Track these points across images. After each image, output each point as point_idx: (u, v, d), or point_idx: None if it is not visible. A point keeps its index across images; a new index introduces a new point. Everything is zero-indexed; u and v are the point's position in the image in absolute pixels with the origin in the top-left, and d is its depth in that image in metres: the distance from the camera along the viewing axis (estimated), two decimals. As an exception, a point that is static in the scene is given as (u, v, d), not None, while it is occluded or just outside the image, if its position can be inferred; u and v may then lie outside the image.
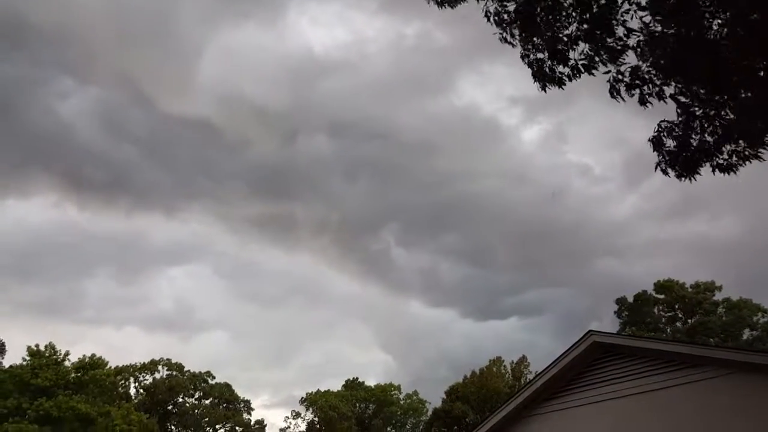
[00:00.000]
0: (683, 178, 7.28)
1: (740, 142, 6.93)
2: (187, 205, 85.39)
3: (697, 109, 7.07)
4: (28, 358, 38.71)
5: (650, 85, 6.94)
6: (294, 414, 56.25)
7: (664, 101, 6.99)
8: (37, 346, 39.08)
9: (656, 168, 7.48)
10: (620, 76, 6.80)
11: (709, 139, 7.13)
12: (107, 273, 77.12)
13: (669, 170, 7.35)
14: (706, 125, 7.09)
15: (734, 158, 7.14)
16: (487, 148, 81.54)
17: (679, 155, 7.22)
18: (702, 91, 7.02)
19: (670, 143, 7.31)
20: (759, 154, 6.98)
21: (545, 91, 7.32)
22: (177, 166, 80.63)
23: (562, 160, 77.81)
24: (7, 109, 65.44)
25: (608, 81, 6.84)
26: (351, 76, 76.66)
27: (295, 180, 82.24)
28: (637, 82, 6.76)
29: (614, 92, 6.82)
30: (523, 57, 7.44)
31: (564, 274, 74.87)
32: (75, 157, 72.64)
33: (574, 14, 6.78)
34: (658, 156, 7.37)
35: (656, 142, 7.36)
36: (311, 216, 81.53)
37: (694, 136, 7.17)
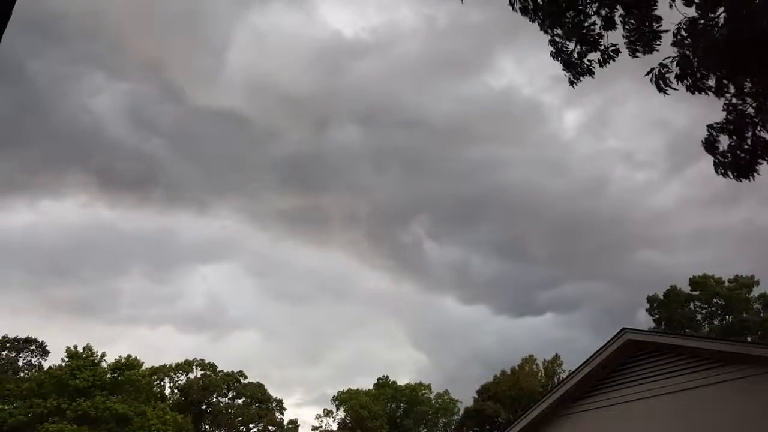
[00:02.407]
0: (743, 179, 7.06)
1: None
2: (217, 201, 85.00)
3: (746, 104, 6.87)
4: (67, 359, 39.73)
5: (699, 74, 6.75)
6: (325, 412, 56.69)
7: (706, 93, 6.80)
8: (75, 347, 40.13)
9: (716, 172, 7.27)
10: (667, 69, 6.62)
11: (765, 135, 6.91)
12: (140, 271, 77.71)
13: (728, 172, 7.13)
14: (758, 120, 6.88)
15: None
16: (525, 134, 77.77)
17: (735, 155, 6.99)
18: (751, 83, 6.81)
19: (723, 143, 7.11)
20: None
21: (574, 86, 7.22)
22: (207, 160, 79.79)
23: (603, 147, 74.53)
24: (40, 106, 66.30)
25: (653, 75, 6.64)
26: (381, 60, 73.76)
27: (325, 171, 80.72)
28: (688, 71, 6.56)
29: (661, 85, 6.63)
30: (551, 45, 7.31)
31: (602, 267, 72.24)
32: (105, 154, 72.38)
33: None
34: (714, 159, 7.15)
35: (709, 145, 7.16)
36: (341, 209, 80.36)
37: (746, 133, 6.95)
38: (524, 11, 7.02)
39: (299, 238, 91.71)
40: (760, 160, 6.93)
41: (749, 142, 6.94)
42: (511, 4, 7.11)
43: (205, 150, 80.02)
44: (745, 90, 6.80)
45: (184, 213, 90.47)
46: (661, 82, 6.58)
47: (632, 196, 72.85)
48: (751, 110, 6.88)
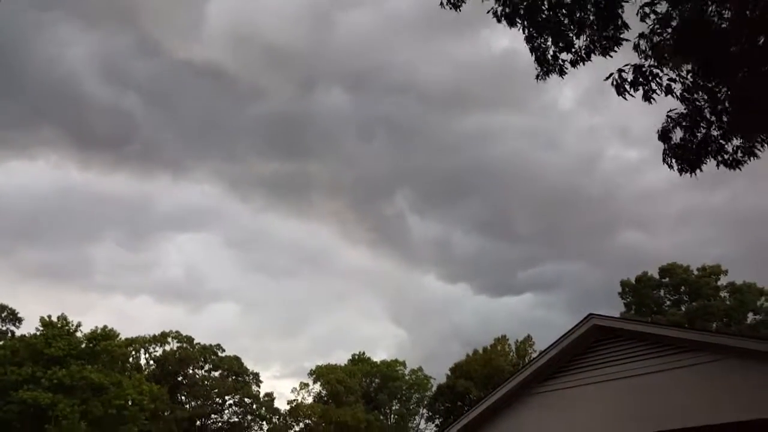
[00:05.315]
0: (685, 173, 7.42)
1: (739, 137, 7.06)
2: (196, 164, 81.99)
3: (703, 102, 7.16)
4: (41, 328, 39.53)
5: (657, 81, 7.03)
6: (301, 386, 57.37)
7: (673, 95, 7.09)
8: (49, 317, 39.92)
9: (663, 160, 7.60)
10: (624, 75, 6.90)
11: (715, 133, 7.24)
12: (115, 238, 75.98)
13: (674, 164, 7.47)
14: (712, 118, 7.20)
15: (739, 153, 7.28)
16: (522, 101, 73.72)
17: (684, 149, 7.33)
18: (706, 81, 7.09)
19: (677, 135, 7.42)
20: (755, 150, 7.15)
21: (544, 80, 7.46)
22: (186, 120, 76.39)
23: (600, 120, 71.38)
24: (6, 56, 62.81)
25: (612, 82, 6.94)
26: (374, 13, 69.15)
27: (310, 135, 77.68)
28: (641, 80, 6.87)
29: (620, 90, 6.92)
30: (527, 41, 7.50)
31: (585, 247, 71.80)
32: (77, 110, 69.15)
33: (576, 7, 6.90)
34: (665, 149, 7.48)
35: (664, 135, 7.47)
36: (325, 177, 77.89)
37: (700, 130, 7.27)
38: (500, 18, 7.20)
39: (280, 207, 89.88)
40: (705, 158, 7.29)
41: (699, 137, 7.28)
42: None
43: (184, 108, 76.19)
44: (704, 87, 7.10)
45: (161, 176, 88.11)
46: (619, 88, 6.88)
47: (622, 175, 71.45)
48: (706, 106, 7.19)
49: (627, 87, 6.88)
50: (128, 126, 72.38)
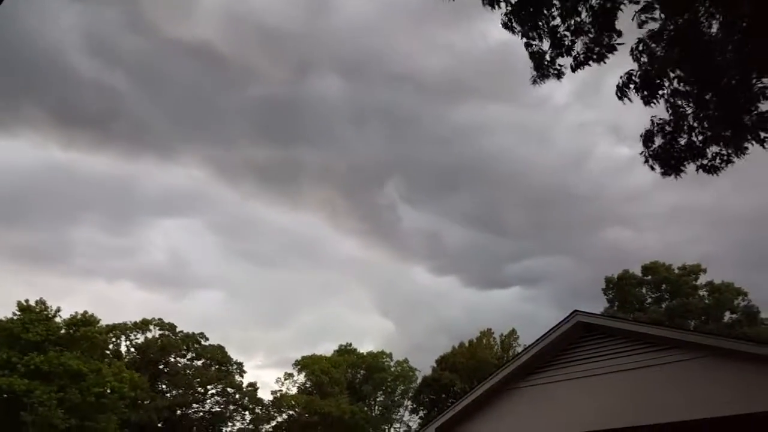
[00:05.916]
0: (668, 176, 7.53)
1: (721, 144, 7.18)
2: (183, 147, 78.28)
3: (687, 108, 7.25)
4: (18, 312, 38.85)
5: (652, 89, 7.08)
6: (286, 376, 57.29)
7: (656, 100, 7.14)
8: (26, 301, 39.26)
9: (645, 162, 7.71)
10: (633, 78, 6.94)
11: (695, 139, 7.34)
12: (97, 221, 72.88)
13: (656, 166, 7.58)
14: (695, 125, 7.29)
15: (717, 160, 7.41)
16: (519, 94, 71.94)
17: (667, 153, 7.42)
18: (693, 88, 7.18)
19: (659, 140, 7.51)
20: (731, 157, 7.29)
21: (540, 84, 7.45)
22: (174, 101, 72.85)
23: (593, 115, 70.23)
24: None
25: (617, 85, 6.96)
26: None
27: (302, 121, 75.50)
28: (645, 86, 6.90)
29: (622, 94, 6.96)
30: (526, 46, 7.49)
31: (573, 243, 71.95)
32: (62, 89, 65.83)
33: (569, 7, 6.88)
34: (647, 152, 7.58)
35: (646, 138, 7.55)
36: (317, 165, 76.55)
37: (682, 136, 7.37)
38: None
39: (270, 194, 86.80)
40: (687, 162, 7.39)
41: (683, 143, 7.37)
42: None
43: (172, 88, 72.56)
44: (691, 94, 7.16)
45: (147, 158, 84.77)
46: (620, 92, 6.90)
47: (611, 172, 71.10)
48: (690, 112, 7.26)
49: (631, 91, 6.91)
50: (114, 105, 69.13)
